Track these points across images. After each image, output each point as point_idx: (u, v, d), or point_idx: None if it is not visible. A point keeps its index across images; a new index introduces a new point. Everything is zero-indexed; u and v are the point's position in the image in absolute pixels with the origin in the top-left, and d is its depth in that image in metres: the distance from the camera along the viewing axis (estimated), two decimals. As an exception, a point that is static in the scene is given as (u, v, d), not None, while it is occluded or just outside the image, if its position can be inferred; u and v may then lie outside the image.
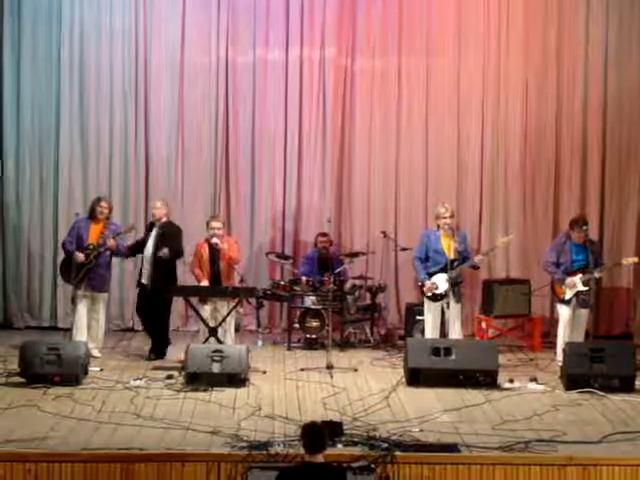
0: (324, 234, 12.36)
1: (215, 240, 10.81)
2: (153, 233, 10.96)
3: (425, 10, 12.87)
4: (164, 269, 10.84)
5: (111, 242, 10.77)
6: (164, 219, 11.00)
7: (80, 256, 10.73)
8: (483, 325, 12.06)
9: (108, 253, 10.89)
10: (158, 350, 10.99)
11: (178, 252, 10.97)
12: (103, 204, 10.96)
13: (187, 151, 12.95)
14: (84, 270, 10.74)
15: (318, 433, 6.41)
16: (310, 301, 11.89)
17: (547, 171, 12.98)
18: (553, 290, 11.05)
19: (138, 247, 11.12)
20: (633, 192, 12.96)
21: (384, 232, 12.61)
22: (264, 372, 10.34)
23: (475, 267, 11.15)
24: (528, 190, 13.00)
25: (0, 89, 12.75)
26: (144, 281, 10.94)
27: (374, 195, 13.04)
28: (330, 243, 12.34)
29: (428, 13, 12.87)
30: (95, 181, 12.82)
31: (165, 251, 10.73)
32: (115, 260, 11.28)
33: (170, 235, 10.90)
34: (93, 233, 10.88)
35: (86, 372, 9.83)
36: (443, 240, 10.73)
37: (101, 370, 10.24)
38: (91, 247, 10.80)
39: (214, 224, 10.94)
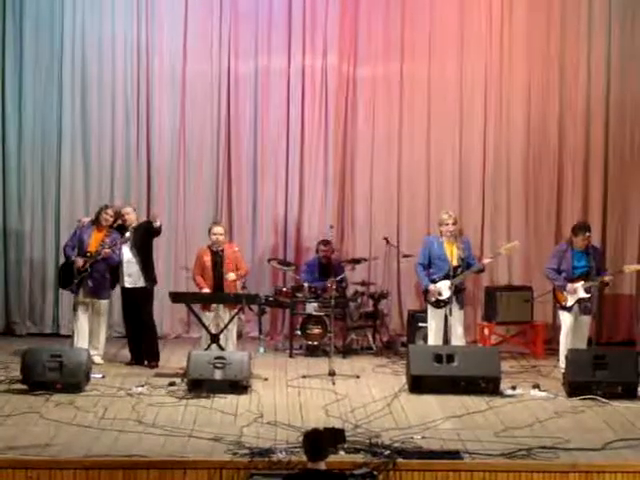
0: (325, 242, 12.27)
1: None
2: (127, 237, 10.96)
3: (427, 16, 12.88)
4: (151, 265, 10.97)
5: (105, 251, 10.80)
6: (134, 224, 11.04)
7: (79, 261, 10.76)
8: (485, 332, 12.05)
9: (105, 261, 10.90)
10: (154, 354, 10.98)
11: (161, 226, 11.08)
12: (109, 212, 10.98)
13: (189, 158, 12.96)
14: (79, 277, 10.77)
15: (320, 440, 6.39)
16: (312, 308, 11.87)
17: (549, 177, 12.98)
18: (555, 297, 11.02)
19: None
20: (636, 198, 12.95)
21: (386, 238, 12.62)
22: (266, 379, 10.33)
23: (481, 270, 11.16)
24: (530, 196, 13.00)
25: (2, 95, 12.76)
26: (128, 285, 10.96)
27: (376, 201, 13.04)
28: (331, 252, 12.30)
29: (430, 19, 12.88)
30: (97, 188, 12.84)
31: (155, 217, 10.94)
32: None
33: (146, 229, 10.95)
34: (94, 239, 10.90)
35: (88, 379, 9.81)
36: (446, 247, 10.71)
37: (103, 377, 10.23)
38: (88, 255, 10.82)
39: (216, 229, 10.97)
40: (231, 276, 10.84)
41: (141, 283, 10.94)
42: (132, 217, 11.07)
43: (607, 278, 10.84)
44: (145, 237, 10.97)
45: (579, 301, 10.67)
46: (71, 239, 11.07)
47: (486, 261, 10.99)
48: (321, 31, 12.87)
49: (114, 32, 12.79)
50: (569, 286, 10.66)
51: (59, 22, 12.74)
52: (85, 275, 10.81)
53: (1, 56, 12.72)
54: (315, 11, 12.86)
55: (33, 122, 12.81)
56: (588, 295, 10.66)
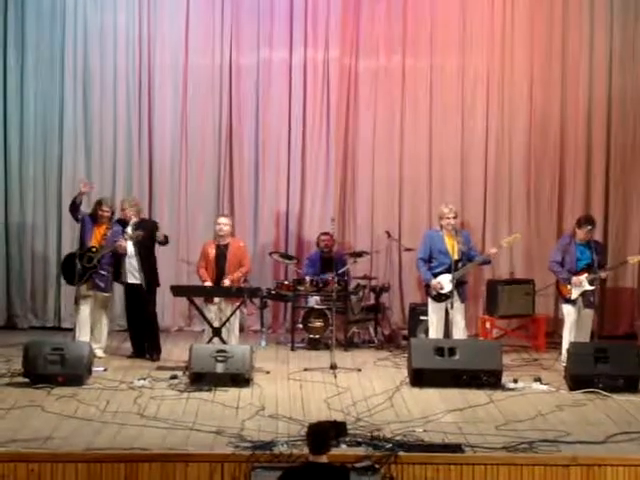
0: (326, 233, 12.30)
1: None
2: (130, 233, 10.92)
3: (429, 9, 12.86)
4: (154, 262, 10.96)
5: (123, 243, 10.76)
6: (134, 219, 10.97)
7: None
8: (487, 325, 12.06)
9: (110, 254, 10.88)
10: (156, 347, 10.99)
11: (167, 237, 10.99)
12: (105, 208, 10.92)
13: (191, 152, 12.95)
14: (89, 274, 10.76)
15: (324, 434, 6.39)
16: (314, 301, 11.88)
17: (551, 171, 12.98)
18: (559, 290, 11.03)
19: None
20: (637, 192, 12.95)
21: (388, 232, 12.61)
22: (268, 372, 10.34)
23: (486, 262, 11.15)
24: (532, 190, 12.99)
25: (4, 89, 12.75)
26: (130, 280, 10.94)
27: (378, 195, 13.03)
28: (332, 242, 12.30)
29: (432, 12, 12.86)
30: (99, 182, 12.79)
31: (139, 232, 10.73)
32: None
33: (150, 228, 10.92)
34: (96, 234, 10.88)
35: (90, 372, 9.82)
36: (447, 240, 10.71)
37: (105, 370, 10.24)
38: (94, 250, 10.80)
39: (220, 220, 11.01)
40: (225, 283, 10.84)
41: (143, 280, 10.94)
42: (130, 212, 10.92)
43: (603, 274, 10.83)
44: (148, 237, 10.89)
45: (583, 294, 10.68)
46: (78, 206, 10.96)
47: (493, 250, 10.96)
48: (323, 23, 12.85)
49: (116, 25, 12.77)
50: (574, 278, 10.66)
51: (61, 14, 12.73)
52: (94, 270, 10.81)
53: (3, 49, 12.71)
54: (317, 3, 12.84)
55: (35, 115, 12.81)
56: (592, 288, 10.67)
